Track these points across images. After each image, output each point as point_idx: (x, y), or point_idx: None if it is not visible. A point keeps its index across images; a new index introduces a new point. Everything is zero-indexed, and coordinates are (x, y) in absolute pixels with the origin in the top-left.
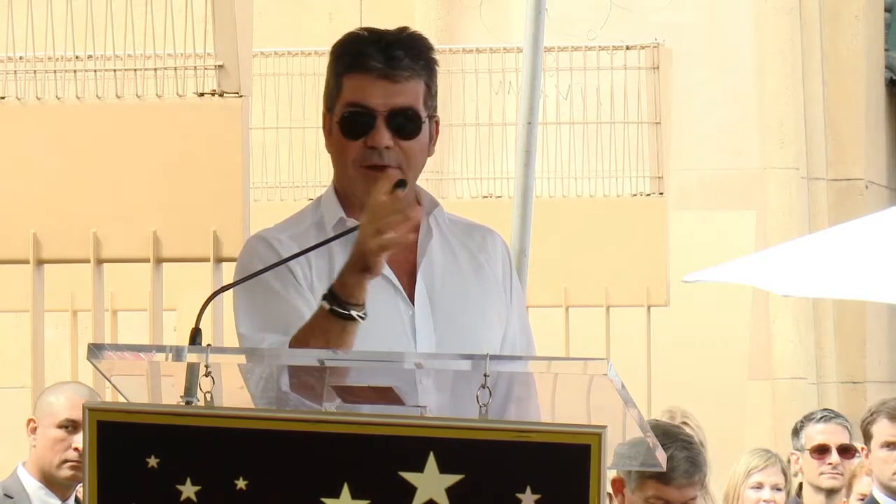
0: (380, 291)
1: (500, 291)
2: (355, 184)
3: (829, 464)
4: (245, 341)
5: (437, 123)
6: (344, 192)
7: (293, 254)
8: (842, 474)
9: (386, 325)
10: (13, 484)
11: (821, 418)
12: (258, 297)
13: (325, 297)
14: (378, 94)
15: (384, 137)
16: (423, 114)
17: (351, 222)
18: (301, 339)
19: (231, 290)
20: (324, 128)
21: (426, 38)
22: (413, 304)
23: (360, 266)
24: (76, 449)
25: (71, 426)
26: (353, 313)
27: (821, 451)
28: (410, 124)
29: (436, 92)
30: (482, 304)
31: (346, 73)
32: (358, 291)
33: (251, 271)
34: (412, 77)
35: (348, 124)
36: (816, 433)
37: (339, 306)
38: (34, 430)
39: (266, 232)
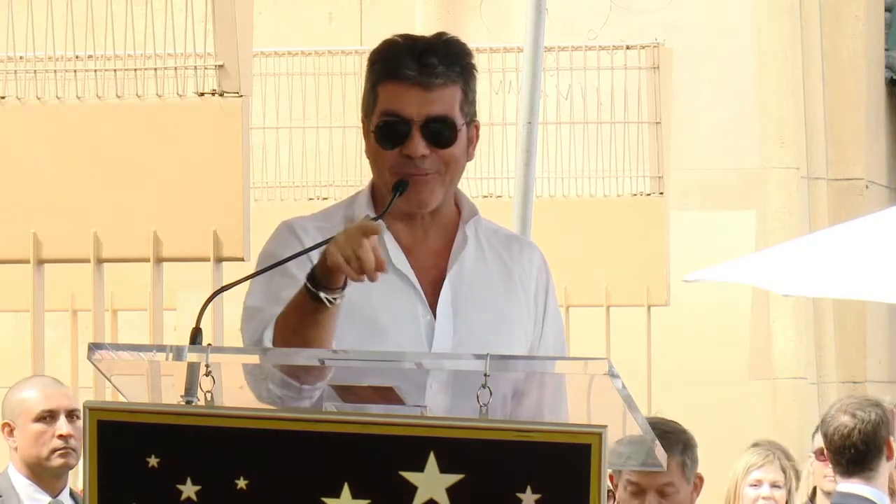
0: (399, 292)
1: (531, 307)
2: (391, 189)
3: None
4: (254, 313)
5: (478, 128)
6: (378, 193)
7: (295, 253)
8: None
9: (401, 327)
10: (2, 482)
11: None
12: (276, 279)
13: (307, 275)
14: (413, 103)
15: (419, 146)
16: (460, 121)
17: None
18: (284, 312)
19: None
20: (363, 133)
21: (463, 44)
22: (431, 310)
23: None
24: (60, 436)
25: (48, 416)
26: (322, 295)
27: (824, 453)
28: (446, 132)
29: (474, 97)
30: (507, 319)
31: (381, 81)
32: (332, 276)
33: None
34: (447, 84)
35: (383, 133)
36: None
37: (313, 285)
38: (11, 433)
39: (296, 220)
